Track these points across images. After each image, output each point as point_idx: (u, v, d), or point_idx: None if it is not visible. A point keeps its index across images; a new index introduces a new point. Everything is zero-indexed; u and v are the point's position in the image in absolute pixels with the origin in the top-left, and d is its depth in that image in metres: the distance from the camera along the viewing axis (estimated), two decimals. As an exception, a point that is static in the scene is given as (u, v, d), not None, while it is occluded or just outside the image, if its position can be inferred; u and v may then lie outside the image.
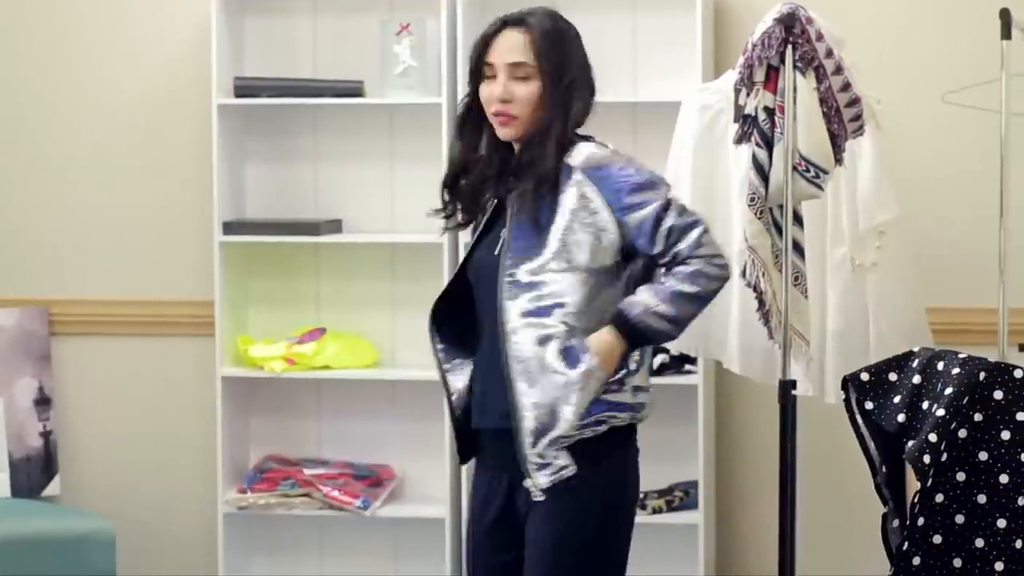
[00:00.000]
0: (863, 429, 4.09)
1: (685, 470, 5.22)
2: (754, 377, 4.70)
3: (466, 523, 3.77)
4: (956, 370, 3.96)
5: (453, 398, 3.67)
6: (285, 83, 5.35)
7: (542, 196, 3.50)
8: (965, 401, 3.95)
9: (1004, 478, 3.97)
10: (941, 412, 3.93)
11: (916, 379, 4.02)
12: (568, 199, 3.50)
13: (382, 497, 5.34)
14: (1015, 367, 3.99)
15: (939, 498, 4.00)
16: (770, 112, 4.28)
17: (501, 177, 3.60)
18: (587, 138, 3.60)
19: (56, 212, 5.59)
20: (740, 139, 4.39)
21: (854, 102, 4.34)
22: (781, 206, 4.30)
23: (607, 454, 3.55)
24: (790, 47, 4.25)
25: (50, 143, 5.59)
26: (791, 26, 4.25)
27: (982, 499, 3.98)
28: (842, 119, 4.34)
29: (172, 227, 5.54)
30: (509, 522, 3.61)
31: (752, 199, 4.30)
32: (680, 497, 5.21)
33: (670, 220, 3.50)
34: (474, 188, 3.61)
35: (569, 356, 3.46)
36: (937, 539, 4.00)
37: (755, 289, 4.36)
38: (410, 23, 5.26)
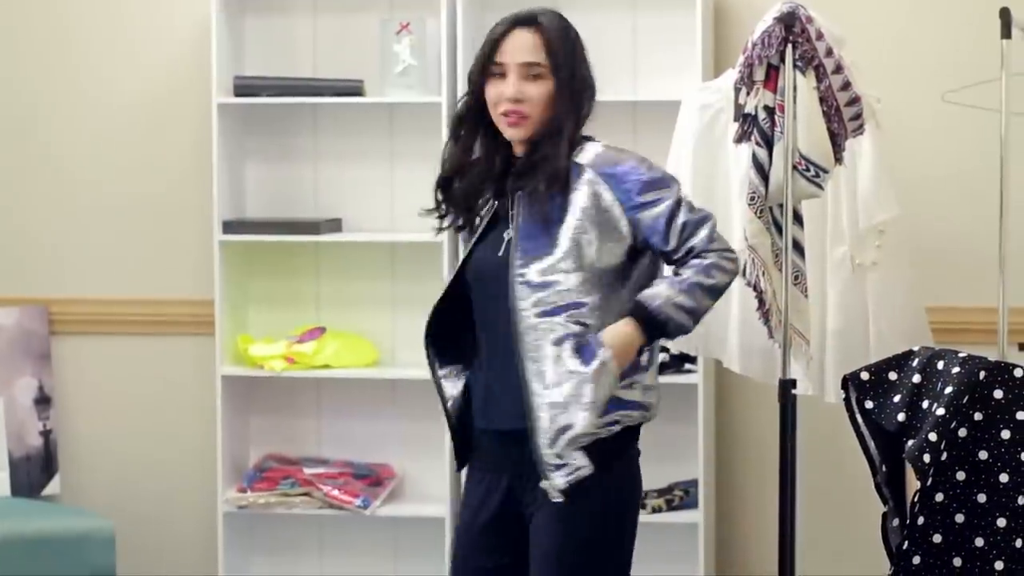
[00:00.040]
0: (863, 428, 4.09)
1: (685, 469, 5.22)
2: (754, 376, 4.70)
3: (453, 526, 3.75)
4: (956, 369, 3.96)
5: (449, 404, 3.67)
6: (285, 82, 5.35)
7: (552, 196, 3.49)
8: (965, 400, 3.95)
9: (1004, 477, 3.97)
10: (941, 411, 3.93)
11: (916, 378, 4.02)
12: (579, 198, 3.50)
13: (382, 496, 5.34)
14: (1015, 366, 3.99)
15: (939, 497, 4.00)
16: (770, 111, 4.28)
17: (500, 178, 3.59)
18: (588, 138, 3.60)
19: (56, 211, 5.59)
20: (740, 138, 4.39)
21: (854, 101, 4.34)
22: (781, 205, 4.30)
23: (618, 455, 3.55)
24: (790, 46, 4.24)
25: (50, 142, 5.59)
26: (791, 25, 4.25)
27: (982, 498, 3.98)
28: (842, 118, 4.34)
29: (172, 226, 5.55)
30: (505, 524, 3.59)
31: (752, 198, 4.30)
32: (680, 496, 5.21)
33: (683, 216, 3.52)
34: (471, 190, 3.60)
35: (583, 353, 3.46)
36: (937, 538, 4.00)
37: (755, 288, 4.36)
38: (410, 22, 5.26)
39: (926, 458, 3.92)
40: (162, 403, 5.58)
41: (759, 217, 4.31)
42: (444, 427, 4.99)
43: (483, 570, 3.63)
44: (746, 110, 4.34)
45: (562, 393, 3.44)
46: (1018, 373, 3.98)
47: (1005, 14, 4.33)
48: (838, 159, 4.36)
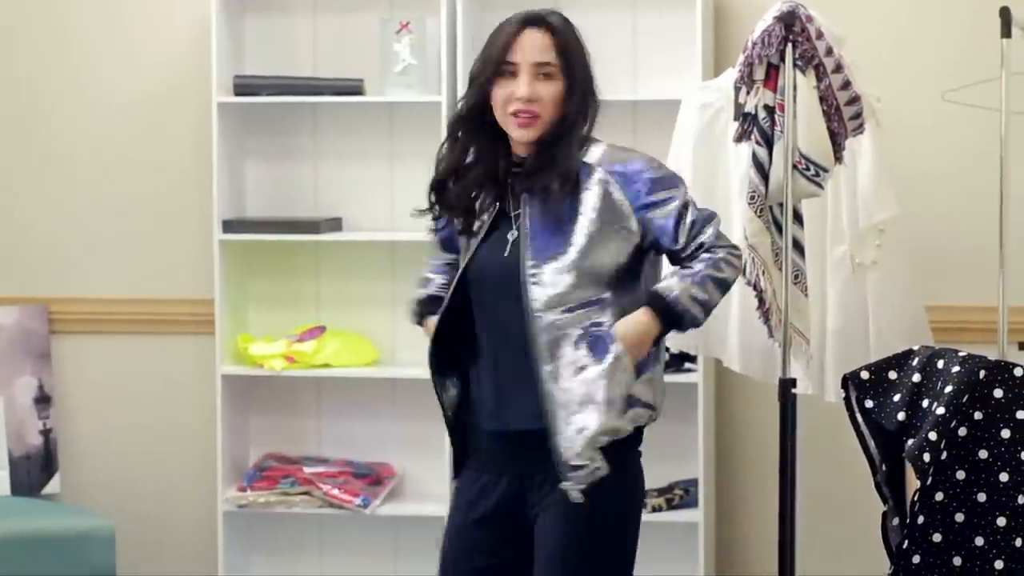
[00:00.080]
0: (863, 427, 4.09)
1: (685, 468, 5.22)
2: (754, 375, 4.70)
3: (445, 527, 3.73)
4: (956, 368, 3.96)
5: (449, 413, 3.67)
6: (285, 81, 5.35)
7: (564, 196, 3.49)
8: (965, 399, 3.95)
9: (1004, 476, 3.97)
10: (941, 410, 3.93)
11: (916, 377, 4.02)
12: (590, 197, 3.49)
13: (382, 495, 5.34)
14: (1015, 365, 4.00)
15: (939, 496, 4.00)
16: (770, 110, 4.28)
17: (501, 180, 3.58)
18: (591, 138, 3.60)
19: (56, 210, 5.59)
20: (740, 137, 4.39)
21: (854, 100, 4.34)
22: (781, 204, 4.30)
23: (629, 454, 3.56)
24: (790, 45, 4.25)
25: (50, 141, 5.59)
26: (791, 24, 4.25)
27: (982, 497, 3.98)
28: (842, 117, 4.34)
29: (172, 225, 5.54)
30: (501, 525, 3.58)
31: (752, 197, 4.30)
32: (680, 495, 5.21)
33: (691, 215, 3.53)
34: (470, 191, 3.58)
35: (597, 350, 3.46)
36: (937, 537, 4.00)
37: (755, 287, 4.36)
38: (410, 21, 5.26)
39: (926, 457, 3.93)
40: (162, 402, 5.58)
41: (759, 216, 4.31)
42: (444, 426, 5.00)
43: (476, 570, 3.62)
44: (746, 109, 4.34)
45: (578, 393, 3.44)
46: (1018, 372, 3.98)
47: (1005, 13, 4.33)
48: (838, 158, 4.36)
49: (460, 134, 3.58)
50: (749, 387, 5.22)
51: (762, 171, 4.28)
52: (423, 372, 3.72)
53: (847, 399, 4.10)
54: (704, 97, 4.67)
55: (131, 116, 5.54)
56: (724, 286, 3.55)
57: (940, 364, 4.00)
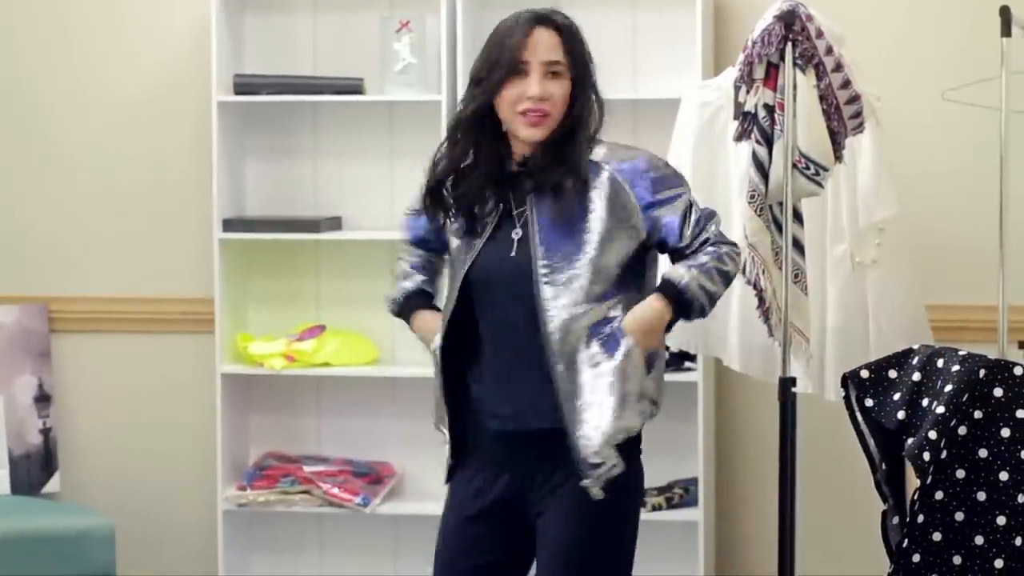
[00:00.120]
0: (863, 426, 4.09)
1: (685, 467, 5.22)
2: (754, 374, 4.70)
3: (443, 527, 3.72)
4: (956, 367, 3.96)
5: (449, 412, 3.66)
6: (285, 80, 5.35)
7: (574, 194, 3.49)
8: (965, 398, 3.95)
9: (1004, 475, 3.97)
10: (941, 409, 3.93)
11: (916, 376, 4.02)
12: (599, 195, 3.50)
13: (382, 494, 5.34)
14: (1015, 364, 3.99)
15: (939, 495, 4.00)
16: (770, 109, 4.28)
17: (504, 180, 3.57)
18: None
19: (56, 209, 5.59)
20: (740, 136, 4.39)
21: (854, 99, 4.34)
22: (781, 203, 4.30)
23: (634, 452, 3.57)
24: (790, 44, 4.25)
25: (50, 140, 5.59)
26: (791, 23, 4.25)
27: (982, 496, 3.98)
28: (842, 116, 4.34)
29: (172, 224, 5.54)
30: (498, 523, 3.58)
31: (752, 196, 4.31)
32: (680, 494, 5.21)
33: (695, 213, 3.56)
34: (473, 192, 3.56)
35: (609, 346, 3.47)
36: (937, 536, 4.00)
37: (755, 286, 4.36)
38: (410, 20, 5.26)
39: (926, 456, 3.93)
40: (162, 401, 5.58)
41: (759, 215, 4.32)
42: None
43: (473, 569, 3.62)
44: (746, 108, 4.34)
45: (594, 390, 3.45)
46: (1018, 371, 3.98)
47: (1005, 12, 4.34)
48: (838, 157, 4.37)
49: (460, 135, 3.57)
50: (749, 386, 5.22)
51: (762, 170, 4.29)
52: (423, 371, 3.72)
53: (847, 398, 4.10)
54: (704, 96, 4.67)
55: (131, 115, 5.54)
56: (727, 280, 3.57)
57: (940, 363, 4.01)
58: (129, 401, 5.60)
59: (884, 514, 4.12)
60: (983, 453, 3.98)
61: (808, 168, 4.27)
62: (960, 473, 3.99)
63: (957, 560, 4.00)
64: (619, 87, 5.13)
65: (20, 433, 5.50)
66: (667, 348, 4.98)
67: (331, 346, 5.35)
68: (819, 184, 4.31)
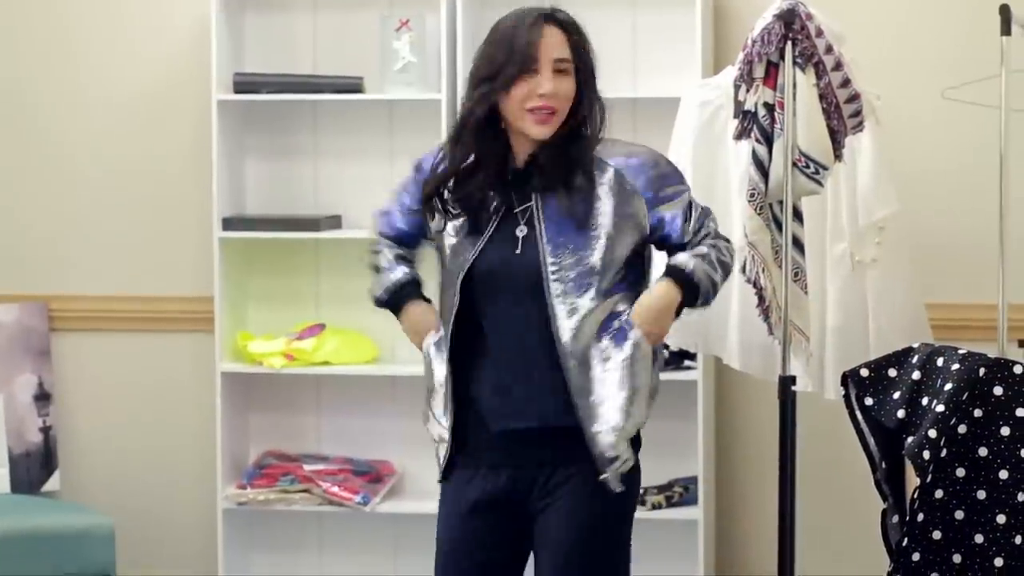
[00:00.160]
0: (863, 425, 4.09)
1: (685, 466, 5.23)
2: (754, 373, 4.71)
3: (443, 529, 3.72)
4: (956, 366, 3.96)
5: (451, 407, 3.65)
6: (285, 79, 5.35)
7: (582, 191, 3.49)
8: (965, 397, 3.95)
9: (1004, 474, 3.97)
10: (941, 408, 3.93)
11: (916, 375, 4.02)
12: (606, 192, 3.50)
13: (382, 493, 5.34)
14: (1015, 363, 4.00)
15: (939, 494, 4.00)
16: (770, 108, 4.28)
17: (506, 178, 3.56)
18: None
19: (56, 208, 5.59)
20: (740, 135, 4.39)
21: (854, 98, 4.34)
22: (781, 202, 4.30)
23: (638, 446, 3.58)
24: (790, 43, 4.25)
25: (50, 139, 5.59)
26: (791, 22, 4.25)
27: (982, 495, 3.98)
28: (842, 115, 4.34)
29: (172, 223, 5.55)
30: (499, 520, 3.57)
31: (752, 195, 4.31)
32: (680, 493, 5.21)
33: (697, 209, 3.59)
34: (481, 191, 3.55)
35: (618, 340, 3.48)
36: (937, 535, 4.01)
37: (755, 285, 4.36)
38: (410, 19, 5.26)
39: (926, 455, 3.93)
40: (162, 400, 5.58)
41: (759, 214, 4.32)
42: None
43: (476, 567, 3.61)
44: (746, 107, 4.35)
45: (607, 384, 3.46)
46: (1018, 370, 3.98)
47: (1005, 11, 4.34)
48: (838, 156, 4.37)
49: (466, 135, 3.55)
50: (749, 385, 5.22)
51: (762, 169, 4.29)
52: (423, 369, 3.71)
53: (847, 396, 4.10)
54: (704, 95, 4.67)
55: (131, 114, 5.54)
56: (727, 272, 3.60)
57: (940, 362, 4.01)
58: (129, 400, 5.60)
59: (884, 513, 4.12)
60: (983, 451, 3.98)
61: (808, 167, 4.27)
62: (960, 472, 3.99)
63: (957, 559, 4.01)
64: (619, 86, 5.13)
65: (20, 432, 5.50)
66: (666, 346, 5.02)
67: (331, 345, 5.35)
68: (819, 183, 4.31)
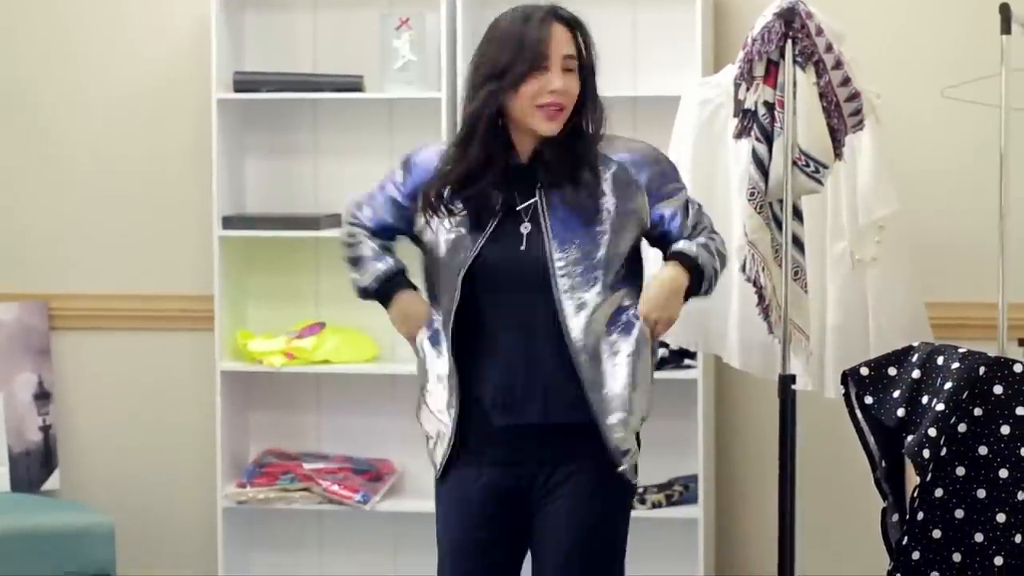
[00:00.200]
0: (863, 424, 4.09)
1: (685, 464, 5.23)
2: (754, 372, 4.70)
3: (445, 529, 3.71)
4: (956, 365, 3.96)
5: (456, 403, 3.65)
6: (285, 78, 5.35)
7: (588, 187, 3.50)
8: (965, 396, 3.95)
9: (1004, 473, 3.97)
10: (941, 407, 3.93)
11: (916, 374, 4.02)
12: (610, 187, 3.52)
13: (382, 491, 5.34)
14: (1015, 362, 3.99)
15: (939, 493, 4.00)
16: (770, 107, 4.28)
17: (510, 176, 3.55)
18: None
19: (56, 207, 5.59)
20: (740, 134, 4.39)
21: (854, 97, 4.34)
22: (781, 201, 4.30)
23: (639, 441, 3.58)
24: (790, 42, 4.25)
25: (50, 138, 5.59)
26: (791, 21, 4.25)
27: (982, 494, 3.98)
28: (842, 114, 4.34)
29: (172, 222, 5.55)
30: (501, 520, 3.57)
31: (752, 194, 4.31)
32: (680, 491, 5.21)
33: (694, 205, 3.63)
34: (483, 191, 3.54)
35: (626, 333, 3.51)
36: (937, 534, 4.00)
37: (755, 284, 4.36)
38: (410, 18, 5.26)
39: (926, 453, 3.93)
40: (161, 398, 5.58)
41: (759, 213, 4.32)
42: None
43: (480, 567, 3.61)
44: (746, 106, 4.34)
45: (615, 378, 3.48)
46: (1018, 369, 3.98)
47: (1005, 10, 4.34)
48: (838, 155, 4.36)
49: (476, 134, 3.53)
50: (749, 383, 5.22)
51: (762, 167, 4.29)
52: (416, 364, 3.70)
53: (847, 395, 4.10)
54: (704, 93, 4.67)
55: (131, 112, 5.54)
56: (724, 263, 3.64)
57: (940, 360, 4.00)
58: (129, 398, 5.60)
59: (884, 511, 4.12)
60: (983, 450, 3.98)
61: (808, 165, 4.27)
62: (960, 470, 3.99)
63: (957, 557, 4.00)
64: (619, 84, 5.14)
65: (20, 430, 5.50)
66: (666, 345, 5.02)
67: (331, 343, 5.35)
68: (819, 182, 4.31)
